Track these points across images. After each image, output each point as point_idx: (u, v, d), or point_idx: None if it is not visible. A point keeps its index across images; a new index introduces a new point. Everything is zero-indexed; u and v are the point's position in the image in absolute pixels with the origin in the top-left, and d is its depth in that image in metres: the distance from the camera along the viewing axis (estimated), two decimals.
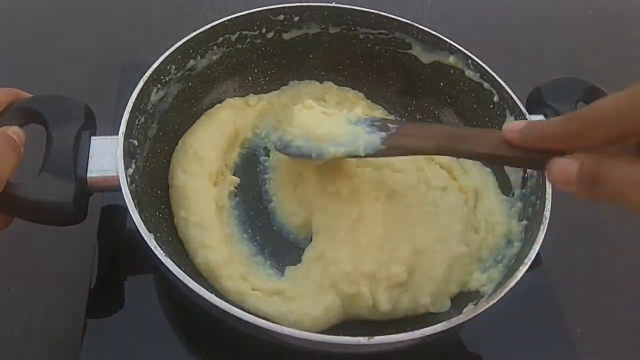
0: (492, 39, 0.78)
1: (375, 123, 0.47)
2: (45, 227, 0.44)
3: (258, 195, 0.55)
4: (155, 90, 0.52)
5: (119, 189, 0.43)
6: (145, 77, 0.50)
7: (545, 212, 0.45)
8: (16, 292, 0.51)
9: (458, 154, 0.41)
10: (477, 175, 0.55)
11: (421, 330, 0.39)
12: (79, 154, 0.45)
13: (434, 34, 0.59)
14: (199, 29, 0.55)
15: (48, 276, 0.52)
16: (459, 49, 0.57)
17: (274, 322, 0.38)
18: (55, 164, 0.44)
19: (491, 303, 0.41)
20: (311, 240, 0.51)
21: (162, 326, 0.48)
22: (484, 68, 0.56)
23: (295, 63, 0.63)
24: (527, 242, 0.46)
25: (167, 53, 0.52)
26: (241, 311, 0.38)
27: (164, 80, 0.53)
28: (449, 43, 0.58)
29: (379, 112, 0.63)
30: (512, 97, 0.53)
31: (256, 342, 0.40)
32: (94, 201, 0.47)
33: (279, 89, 0.63)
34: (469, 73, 0.57)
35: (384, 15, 0.60)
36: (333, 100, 0.62)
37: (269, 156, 0.58)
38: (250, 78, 0.62)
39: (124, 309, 0.48)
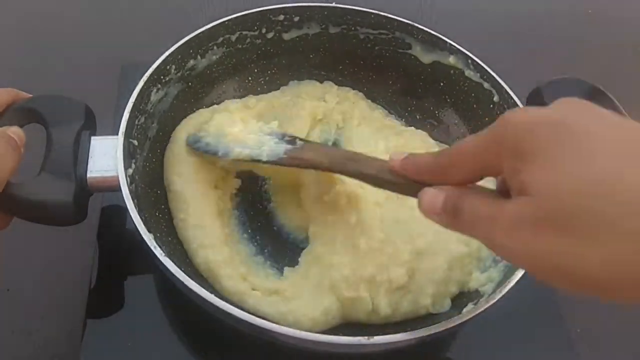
0: (492, 39, 0.78)
1: (286, 138, 0.49)
2: (45, 227, 0.44)
3: (258, 195, 0.55)
4: (155, 90, 0.52)
5: (118, 189, 0.43)
6: (145, 77, 0.50)
7: None
8: (16, 292, 0.51)
9: (347, 172, 0.43)
10: None
11: (421, 330, 0.39)
12: (79, 154, 0.45)
13: (434, 34, 0.59)
14: (199, 29, 0.55)
15: (48, 276, 0.52)
16: (458, 49, 0.57)
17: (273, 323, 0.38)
18: (55, 164, 0.44)
19: (491, 303, 0.41)
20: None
21: (162, 326, 0.48)
22: (484, 68, 0.56)
23: (295, 63, 0.63)
24: None
25: (167, 53, 0.53)
26: (241, 311, 0.38)
27: (164, 80, 0.53)
28: (449, 43, 0.58)
29: (379, 112, 0.63)
30: (512, 97, 0.53)
31: (256, 342, 0.40)
32: (94, 201, 0.48)
33: (279, 89, 0.63)
34: (469, 73, 0.57)
35: (384, 15, 0.60)
36: (333, 100, 0.62)
37: None
38: (250, 78, 0.62)
39: (124, 309, 0.48)
